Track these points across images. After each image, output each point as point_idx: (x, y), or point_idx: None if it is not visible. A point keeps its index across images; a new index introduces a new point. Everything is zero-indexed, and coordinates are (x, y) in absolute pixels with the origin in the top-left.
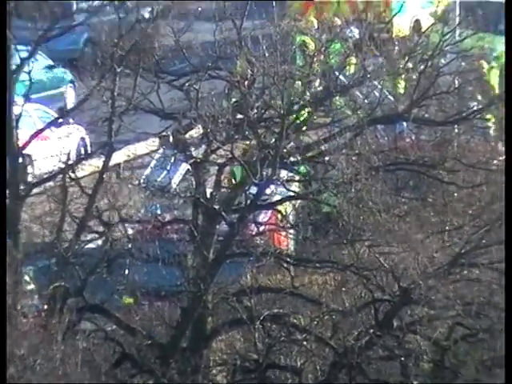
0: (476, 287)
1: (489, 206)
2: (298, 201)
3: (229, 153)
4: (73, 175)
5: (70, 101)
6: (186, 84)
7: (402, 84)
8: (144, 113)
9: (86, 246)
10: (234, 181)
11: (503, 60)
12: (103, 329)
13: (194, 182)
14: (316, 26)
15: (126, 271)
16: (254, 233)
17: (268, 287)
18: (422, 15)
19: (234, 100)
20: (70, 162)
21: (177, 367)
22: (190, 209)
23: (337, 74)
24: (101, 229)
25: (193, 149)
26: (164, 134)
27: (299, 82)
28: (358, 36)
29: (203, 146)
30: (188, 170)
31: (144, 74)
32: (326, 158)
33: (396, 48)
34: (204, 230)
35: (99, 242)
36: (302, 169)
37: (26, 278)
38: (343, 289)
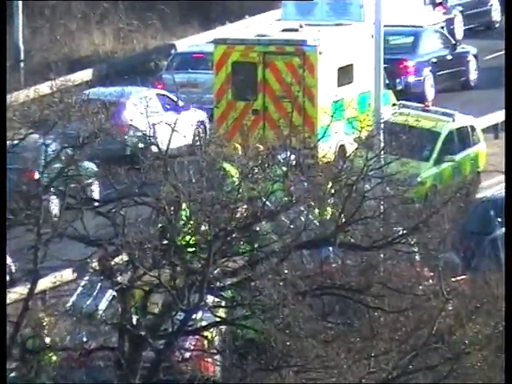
0: None
1: (415, 331)
2: (225, 326)
3: (155, 279)
4: None
5: None
6: (112, 210)
7: (327, 209)
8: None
9: (11, 375)
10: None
11: (428, 185)
12: None
13: (120, 309)
14: (242, 152)
15: None
16: (180, 359)
17: None
18: (347, 140)
19: (160, 226)
20: None
21: None
22: (117, 335)
23: (263, 199)
24: (25, 357)
25: (119, 275)
26: (89, 260)
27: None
28: (283, 162)
29: (129, 273)
30: (114, 296)
31: (69, 201)
32: (253, 284)
33: (321, 173)
34: (130, 356)
35: (23, 371)
36: (229, 294)
37: None
38: None
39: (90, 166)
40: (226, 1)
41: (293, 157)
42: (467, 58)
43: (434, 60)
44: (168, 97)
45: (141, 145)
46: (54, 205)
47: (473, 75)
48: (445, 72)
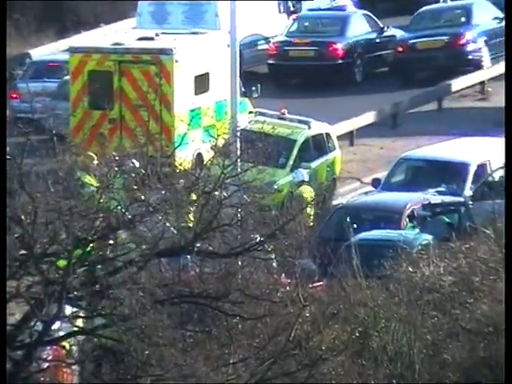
0: None
1: (273, 338)
2: (83, 336)
3: (13, 289)
4: None
5: None
6: None
7: (185, 217)
8: None
9: None
10: None
11: (284, 192)
12: None
13: None
14: (98, 161)
15: None
16: (38, 370)
17: None
18: (204, 148)
19: (16, 235)
20: None
21: None
22: None
23: (120, 208)
24: None
25: None
26: None
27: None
28: (140, 170)
29: None
30: None
31: None
32: (111, 293)
33: (178, 181)
34: None
35: None
36: (88, 304)
37: None
38: None
39: None
40: (80, 10)
41: (150, 165)
42: (394, 41)
43: (362, 43)
44: None
45: None
46: None
47: None
48: (373, 55)
